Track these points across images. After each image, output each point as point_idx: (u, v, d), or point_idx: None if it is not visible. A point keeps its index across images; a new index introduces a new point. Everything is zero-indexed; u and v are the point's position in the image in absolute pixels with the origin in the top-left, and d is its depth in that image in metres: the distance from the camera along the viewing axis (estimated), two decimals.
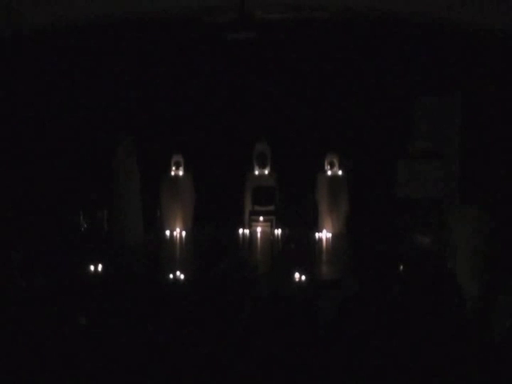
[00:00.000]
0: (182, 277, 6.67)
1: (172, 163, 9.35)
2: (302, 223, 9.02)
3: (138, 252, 7.89)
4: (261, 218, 8.95)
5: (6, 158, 8.35)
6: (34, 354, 3.97)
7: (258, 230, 9.03)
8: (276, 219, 8.74)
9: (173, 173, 9.37)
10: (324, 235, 8.94)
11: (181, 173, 9.38)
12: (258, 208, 8.81)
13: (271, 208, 8.78)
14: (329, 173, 9.23)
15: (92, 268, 6.91)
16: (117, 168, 8.44)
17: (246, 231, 8.98)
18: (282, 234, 8.89)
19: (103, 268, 6.92)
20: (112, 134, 8.59)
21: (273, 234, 8.72)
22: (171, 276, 6.65)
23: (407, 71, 8.74)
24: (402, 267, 6.53)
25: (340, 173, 9.23)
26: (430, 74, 8.66)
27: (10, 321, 4.22)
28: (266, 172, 9.37)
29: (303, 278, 6.62)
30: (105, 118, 9.05)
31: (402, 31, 8.22)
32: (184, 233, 9.17)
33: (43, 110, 8.69)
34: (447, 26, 7.77)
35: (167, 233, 9.13)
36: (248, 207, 9.02)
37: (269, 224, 8.83)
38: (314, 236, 8.91)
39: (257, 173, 9.37)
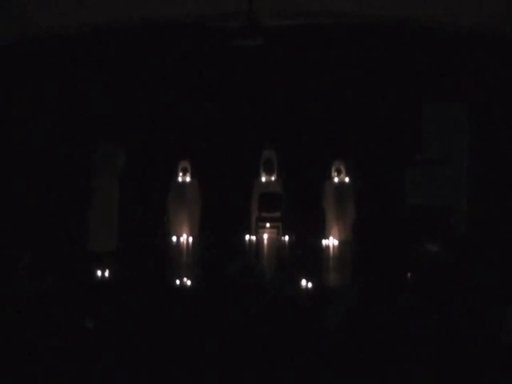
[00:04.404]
0: (189, 282, 6.66)
1: (179, 169, 9.37)
2: (309, 230, 9.00)
3: (145, 257, 7.89)
4: (267, 225, 8.94)
5: (15, 163, 8.37)
6: (41, 355, 3.97)
7: (265, 236, 9.02)
8: (283, 226, 8.73)
9: (180, 179, 9.39)
10: (331, 242, 8.92)
11: (188, 179, 9.39)
12: (264, 214, 8.81)
13: (278, 214, 8.77)
14: (335, 180, 9.22)
15: (99, 272, 6.92)
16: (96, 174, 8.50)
17: (253, 237, 8.97)
18: (288, 240, 8.87)
19: (110, 272, 6.92)
20: (115, 141, 8.63)
21: (279, 240, 8.70)
22: (178, 281, 6.64)
23: (416, 77, 8.72)
24: (409, 275, 6.50)
25: (347, 180, 9.22)
26: (438, 81, 8.65)
27: (17, 323, 4.23)
28: (273, 178, 9.36)
29: (309, 284, 6.60)
30: (112, 123, 9.07)
31: (410, 37, 8.22)
32: (191, 239, 9.17)
33: (48, 114, 8.69)
34: (455, 33, 7.76)
35: (174, 238, 9.14)
36: (255, 213, 9.02)
37: (275, 230, 8.82)
38: (321, 243, 8.89)
39: (264, 179, 9.37)
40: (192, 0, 7.25)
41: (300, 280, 6.63)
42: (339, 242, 8.93)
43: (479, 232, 8.26)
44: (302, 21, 7.18)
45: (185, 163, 9.38)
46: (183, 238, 9.18)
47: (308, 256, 8.22)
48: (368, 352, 4.36)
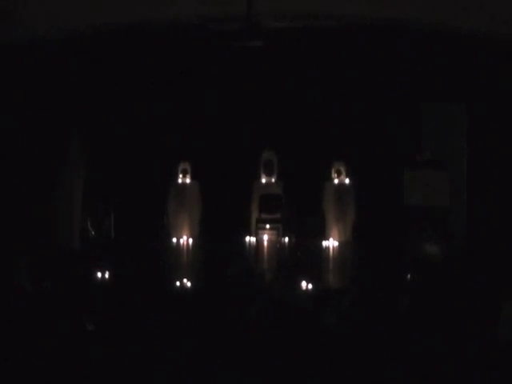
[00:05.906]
0: (189, 284, 6.67)
1: (179, 171, 9.38)
2: (309, 231, 9.01)
3: (145, 259, 7.90)
4: (267, 226, 8.94)
5: (17, 162, 8.39)
6: (40, 359, 3.98)
7: (265, 237, 9.02)
8: (283, 227, 8.73)
9: (180, 180, 9.40)
10: (331, 244, 8.92)
11: (188, 180, 9.40)
12: (264, 216, 8.81)
13: (278, 216, 8.78)
14: (335, 181, 9.23)
15: (99, 274, 6.92)
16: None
17: (253, 239, 8.97)
18: (288, 241, 8.88)
19: (110, 274, 6.93)
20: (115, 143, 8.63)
21: (279, 241, 8.71)
22: (178, 283, 6.65)
23: (414, 80, 8.73)
24: (409, 277, 6.51)
25: (347, 181, 9.23)
26: (437, 83, 8.66)
27: (16, 325, 4.23)
28: (273, 180, 9.37)
29: (310, 286, 6.60)
30: (112, 124, 9.08)
31: (409, 39, 8.22)
32: (191, 240, 9.18)
33: (48, 114, 8.70)
34: (453, 35, 7.77)
35: (174, 240, 9.14)
36: (255, 215, 9.02)
37: (275, 232, 8.82)
38: (321, 244, 8.90)
39: (264, 181, 9.37)
40: (191, 2, 7.26)
41: (300, 281, 6.64)
42: (339, 244, 8.93)
43: (479, 233, 8.27)
44: (301, 23, 7.18)
45: (185, 165, 9.38)
46: (183, 240, 9.18)
47: (308, 257, 8.22)
48: (368, 354, 4.36)
